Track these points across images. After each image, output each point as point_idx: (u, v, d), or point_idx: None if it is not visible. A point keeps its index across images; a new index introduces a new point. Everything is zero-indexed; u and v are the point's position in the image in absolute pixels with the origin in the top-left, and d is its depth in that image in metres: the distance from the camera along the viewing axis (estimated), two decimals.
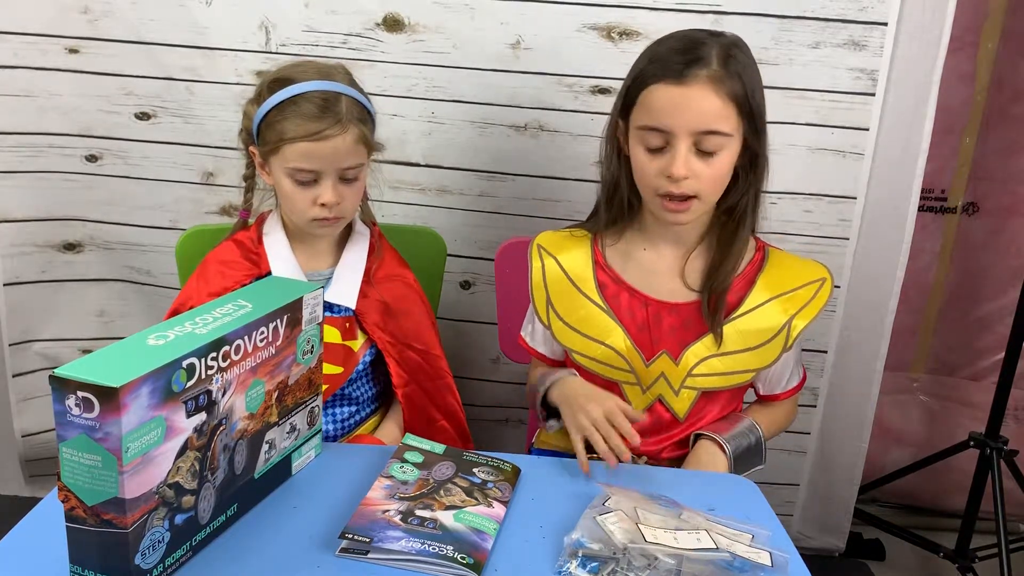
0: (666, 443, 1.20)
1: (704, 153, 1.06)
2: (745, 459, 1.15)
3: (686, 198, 1.07)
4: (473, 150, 1.65)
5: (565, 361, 1.25)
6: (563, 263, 1.20)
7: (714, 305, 1.13)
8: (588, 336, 1.18)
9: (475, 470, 0.99)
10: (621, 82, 1.14)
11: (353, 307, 1.25)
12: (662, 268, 1.17)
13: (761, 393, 1.25)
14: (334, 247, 1.29)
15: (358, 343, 1.27)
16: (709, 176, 1.07)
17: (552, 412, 1.16)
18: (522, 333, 1.30)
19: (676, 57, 1.05)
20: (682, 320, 1.15)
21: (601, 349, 1.17)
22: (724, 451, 1.12)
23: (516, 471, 1.01)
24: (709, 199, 1.10)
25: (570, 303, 1.19)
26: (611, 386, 1.18)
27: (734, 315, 1.14)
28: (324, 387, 1.21)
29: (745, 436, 1.15)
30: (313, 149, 1.14)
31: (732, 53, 1.06)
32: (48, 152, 1.70)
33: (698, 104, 1.03)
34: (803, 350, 1.71)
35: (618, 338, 1.16)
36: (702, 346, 1.14)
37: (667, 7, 1.54)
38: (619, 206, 1.18)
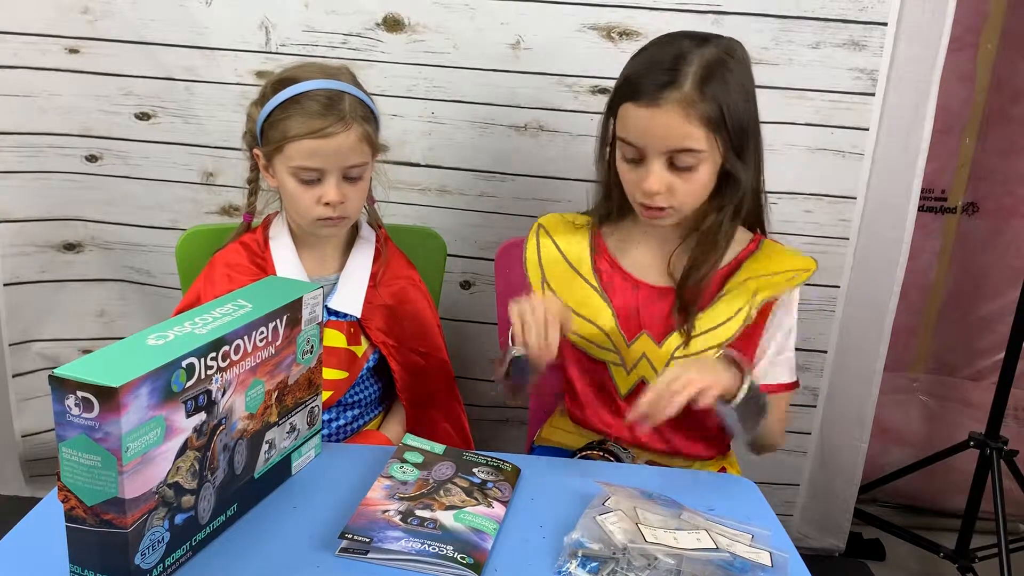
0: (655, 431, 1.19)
1: (680, 168, 1.06)
2: (747, 412, 1.06)
3: (662, 208, 1.09)
4: (473, 150, 1.65)
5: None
6: (561, 246, 1.23)
7: (685, 302, 1.14)
8: (581, 315, 1.19)
9: (475, 470, 0.99)
10: None
11: (358, 315, 1.25)
12: (653, 257, 1.19)
13: None
14: (340, 252, 1.29)
15: (362, 348, 1.27)
16: (685, 191, 1.08)
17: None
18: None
19: (651, 77, 1.05)
20: (669, 306, 1.16)
21: (591, 328, 1.18)
22: (742, 375, 1.05)
23: (516, 471, 1.01)
24: (686, 209, 1.11)
25: (566, 283, 1.21)
26: (599, 366, 1.20)
27: (714, 301, 1.15)
28: (329, 392, 1.22)
29: (755, 394, 1.08)
30: (317, 146, 1.14)
31: (713, 72, 1.03)
32: (48, 152, 1.70)
33: (666, 126, 1.04)
34: (803, 350, 1.74)
35: (607, 319, 1.18)
36: (683, 333, 1.16)
37: (667, 7, 1.54)
38: (614, 202, 1.20)
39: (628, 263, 1.20)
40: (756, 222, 1.20)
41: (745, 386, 1.03)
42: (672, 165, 1.06)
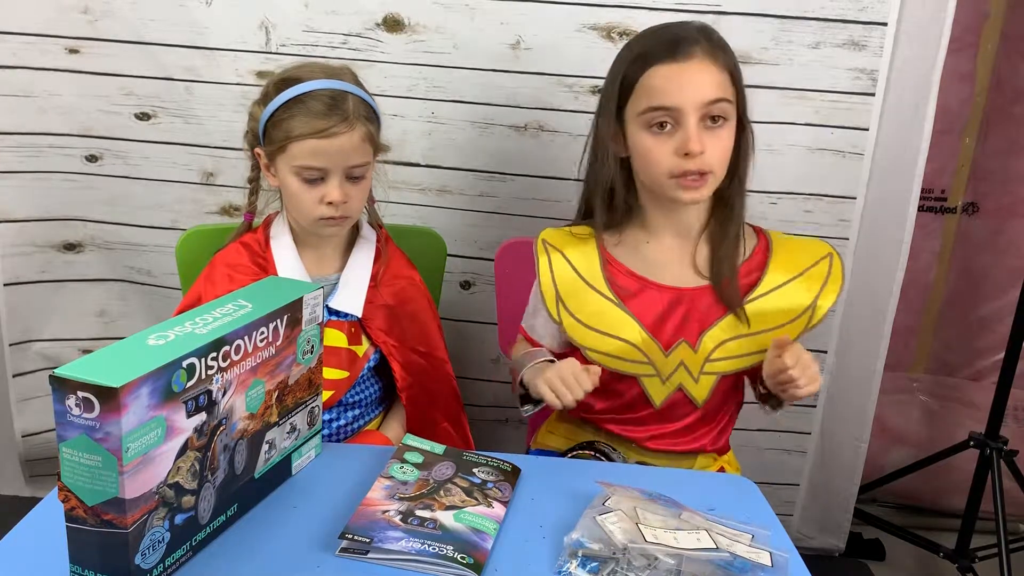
0: (678, 428, 1.19)
1: (711, 127, 1.08)
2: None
3: (702, 173, 1.08)
4: (473, 150, 1.65)
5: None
6: (572, 260, 1.19)
7: (728, 286, 1.14)
8: (601, 331, 1.16)
9: (475, 470, 0.99)
10: None
11: (359, 315, 1.25)
12: (669, 258, 1.18)
13: None
14: (341, 252, 1.29)
15: (363, 348, 1.27)
16: (720, 150, 1.09)
17: (526, 398, 1.16)
18: (523, 324, 1.28)
19: (665, 41, 1.08)
20: (698, 306, 1.15)
21: (616, 344, 1.15)
22: None
23: (516, 471, 1.01)
24: (720, 174, 1.11)
25: (581, 300, 1.17)
26: (629, 380, 1.17)
27: (751, 296, 1.15)
28: (330, 392, 1.22)
29: None
30: (320, 146, 1.14)
31: (711, 32, 1.10)
32: (48, 152, 1.70)
33: (700, 76, 1.06)
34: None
35: (633, 331, 1.15)
36: (719, 330, 1.14)
37: (667, 7, 1.54)
38: (619, 208, 1.18)
39: (643, 269, 1.17)
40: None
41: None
42: (704, 125, 1.07)
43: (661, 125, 1.08)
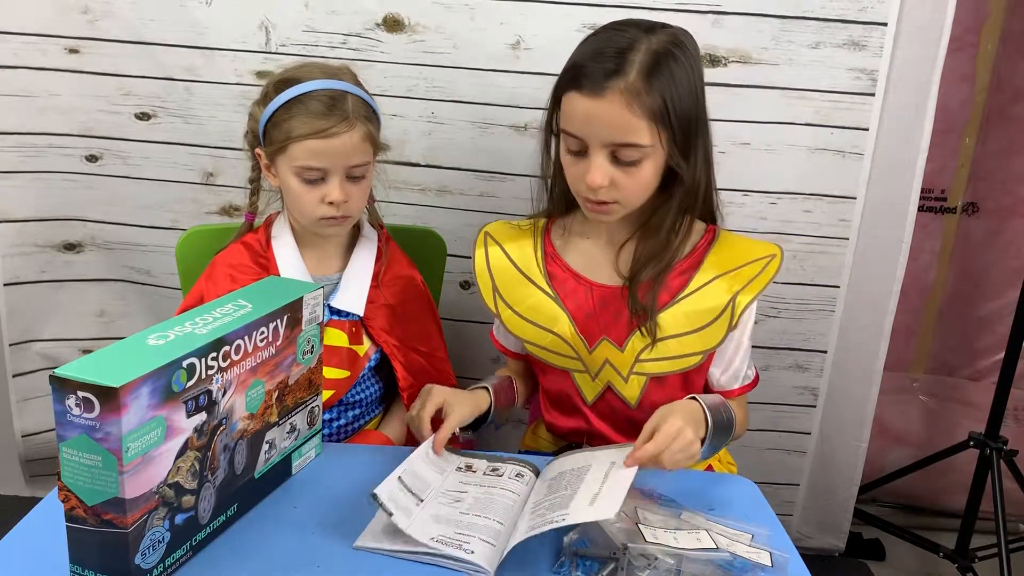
0: (624, 427, 1.18)
1: (623, 162, 1.03)
2: (718, 434, 1.05)
3: (606, 202, 1.06)
4: (473, 150, 1.65)
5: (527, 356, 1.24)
6: (510, 252, 1.20)
7: (645, 292, 1.11)
8: (537, 324, 1.17)
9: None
10: None
11: (361, 314, 1.25)
12: (602, 256, 1.17)
13: (715, 388, 1.20)
14: (342, 251, 1.29)
15: (364, 347, 1.27)
16: (628, 185, 1.05)
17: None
18: (492, 331, 1.30)
19: (596, 66, 1.01)
20: (627, 307, 1.13)
21: (550, 337, 1.16)
22: (702, 407, 1.03)
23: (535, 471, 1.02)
24: (631, 204, 1.08)
25: (518, 292, 1.18)
26: (563, 375, 1.18)
27: (678, 297, 1.12)
28: (331, 392, 1.22)
29: (719, 411, 1.06)
30: (321, 147, 1.14)
31: (660, 62, 1.00)
32: (48, 152, 1.70)
33: (609, 119, 1.00)
34: (803, 350, 1.74)
35: (564, 325, 1.15)
36: (646, 332, 1.12)
37: (667, 7, 1.54)
38: (558, 197, 1.19)
39: (576, 264, 1.17)
40: (709, 216, 1.17)
41: (709, 430, 1.00)
42: (615, 159, 1.03)
43: (575, 149, 1.06)
